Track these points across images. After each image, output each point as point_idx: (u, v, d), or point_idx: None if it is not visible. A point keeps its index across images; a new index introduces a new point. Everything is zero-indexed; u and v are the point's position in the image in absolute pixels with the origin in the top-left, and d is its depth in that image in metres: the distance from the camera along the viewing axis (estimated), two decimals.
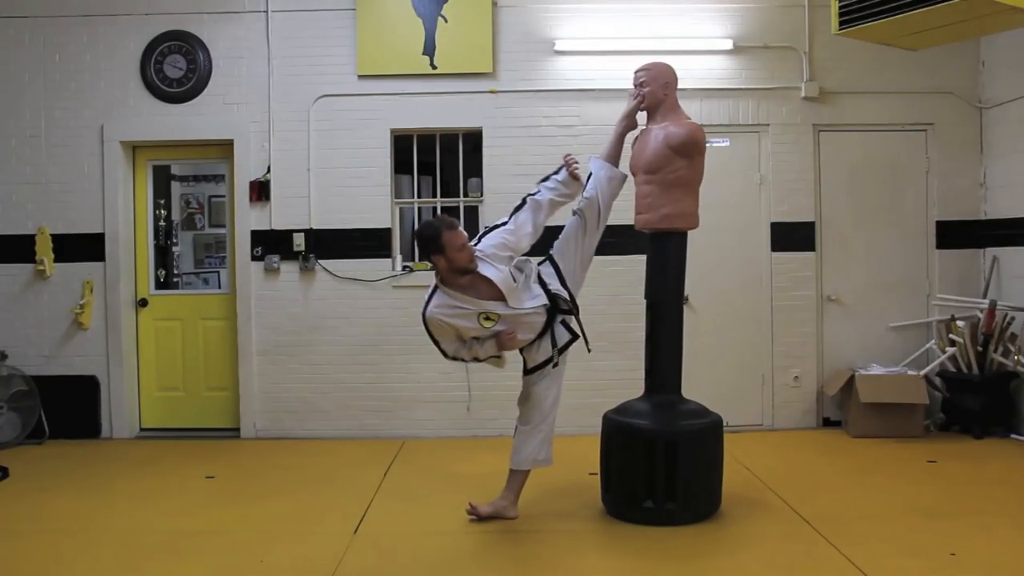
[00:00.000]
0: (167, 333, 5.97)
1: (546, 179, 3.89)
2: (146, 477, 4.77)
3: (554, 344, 3.82)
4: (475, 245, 3.70)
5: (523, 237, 3.77)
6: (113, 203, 5.77)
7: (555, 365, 3.84)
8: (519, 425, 3.92)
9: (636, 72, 4.00)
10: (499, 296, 3.63)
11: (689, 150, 3.80)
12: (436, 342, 3.75)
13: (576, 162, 3.85)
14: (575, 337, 3.88)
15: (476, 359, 3.82)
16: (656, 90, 3.92)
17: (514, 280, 3.69)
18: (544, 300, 3.75)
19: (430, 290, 3.70)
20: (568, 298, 3.85)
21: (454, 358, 3.83)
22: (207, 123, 5.78)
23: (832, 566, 3.27)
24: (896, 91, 5.79)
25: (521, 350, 3.86)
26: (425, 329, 3.71)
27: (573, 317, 3.89)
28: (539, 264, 3.90)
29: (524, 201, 3.85)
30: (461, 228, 3.62)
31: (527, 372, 3.89)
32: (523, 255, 3.84)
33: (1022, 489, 4.28)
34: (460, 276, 3.62)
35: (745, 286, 5.80)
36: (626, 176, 4.06)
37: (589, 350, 3.93)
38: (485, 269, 3.62)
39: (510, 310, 3.66)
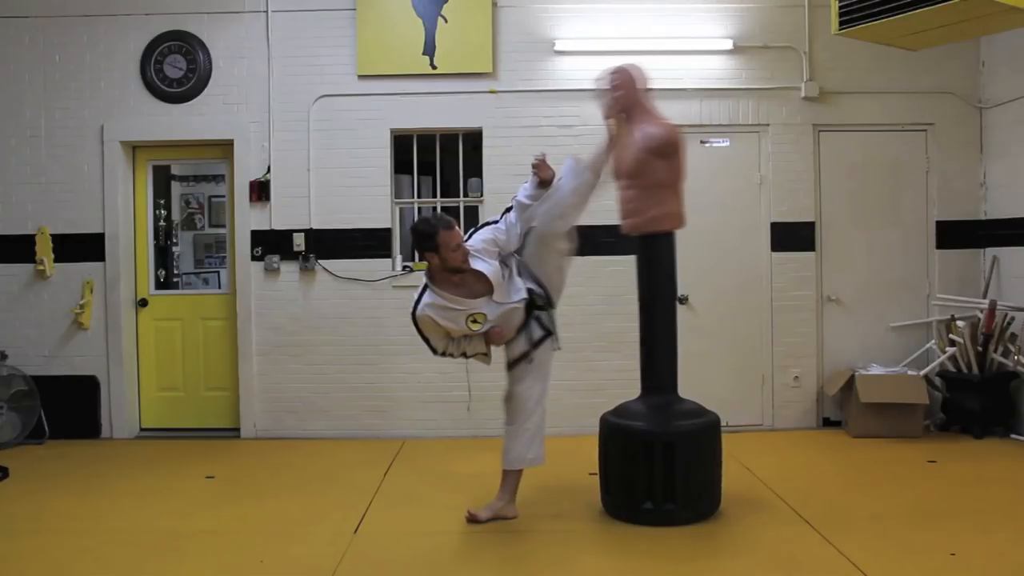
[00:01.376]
0: (167, 333, 5.97)
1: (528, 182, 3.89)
2: (146, 477, 4.77)
3: (529, 340, 3.83)
4: (466, 241, 3.73)
5: (513, 237, 3.80)
6: (113, 203, 5.77)
7: (530, 361, 3.84)
8: (505, 424, 3.93)
9: (605, 76, 3.96)
10: (488, 291, 3.66)
11: (667, 151, 3.79)
12: (425, 339, 3.77)
13: (542, 158, 3.77)
14: (548, 333, 3.88)
15: (464, 355, 3.86)
16: (628, 94, 3.89)
17: (503, 277, 3.73)
18: (524, 294, 3.77)
19: (420, 288, 3.72)
20: (543, 294, 3.84)
21: (443, 354, 3.85)
22: (207, 123, 5.78)
23: (832, 566, 3.27)
24: (896, 91, 5.79)
25: (505, 344, 3.89)
26: (415, 326, 3.73)
27: (546, 313, 3.88)
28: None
29: (511, 206, 3.87)
30: (457, 228, 3.64)
31: (509, 367, 3.91)
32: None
33: (1022, 489, 4.29)
34: (451, 274, 3.64)
35: (745, 286, 5.80)
36: (595, 179, 3.90)
37: (558, 347, 3.94)
38: (476, 263, 3.66)
39: (497, 306, 3.69)
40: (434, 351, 3.83)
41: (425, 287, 3.70)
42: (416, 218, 6.08)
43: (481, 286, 3.67)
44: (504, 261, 3.79)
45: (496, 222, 3.84)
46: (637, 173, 3.84)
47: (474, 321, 3.68)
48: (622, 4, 5.75)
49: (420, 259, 3.86)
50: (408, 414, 5.74)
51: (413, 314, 3.69)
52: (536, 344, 3.85)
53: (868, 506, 4.01)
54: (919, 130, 5.85)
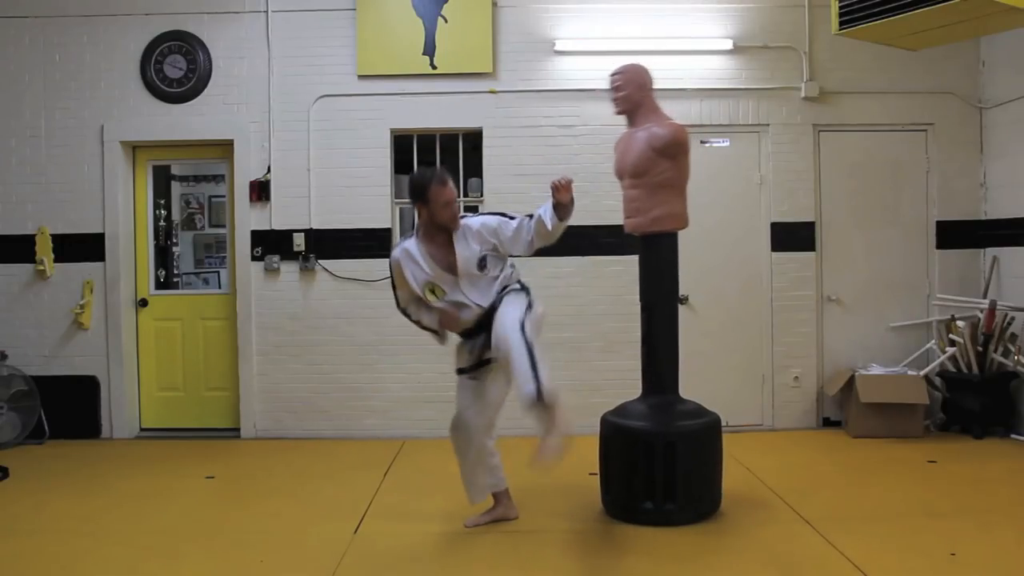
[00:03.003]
0: (167, 333, 5.97)
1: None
2: (146, 477, 4.77)
3: (476, 355, 3.64)
4: (470, 218, 3.64)
5: (521, 242, 3.59)
6: (113, 203, 5.77)
7: (471, 378, 3.67)
8: (456, 455, 3.77)
9: (611, 76, 3.96)
10: (455, 271, 3.56)
11: (673, 151, 3.79)
12: (394, 287, 3.70)
13: (567, 181, 3.47)
14: (488, 361, 3.62)
15: (420, 324, 3.72)
16: (632, 93, 3.89)
17: (480, 268, 3.56)
18: (486, 304, 3.56)
19: (409, 233, 3.69)
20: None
21: (403, 311, 3.72)
22: (207, 123, 5.78)
23: (832, 566, 3.27)
24: (896, 91, 5.79)
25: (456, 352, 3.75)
26: (389, 270, 3.69)
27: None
28: (517, 286, 3.65)
29: (533, 215, 3.64)
30: (451, 185, 3.55)
31: (457, 372, 3.76)
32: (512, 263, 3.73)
33: (1022, 489, 4.29)
34: (437, 232, 3.57)
35: (745, 286, 5.80)
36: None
37: (474, 379, 3.68)
38: (458, 240, 3.56)
39: (457, 292, 3.57)
40: (397, 303, 3.72)
41: (411, 234, 3.65)
42: (416, 219, 6.03)
43: (453, 263, 3.55)
44: (502, 266, 3.64)
45: (512, 217, 3.64)
46: (642, 172, 3.83)
47: (431, 291, 3.59)
48: (622, 4, 5.75)
49: (413, 208, 3.77)
50: (408, 414, 5.74)
51: (392, 254, 3.66)
52: (482, 363, 3.65)
53: (868, 506, 4.01)
54: (919, 130, 5.85)
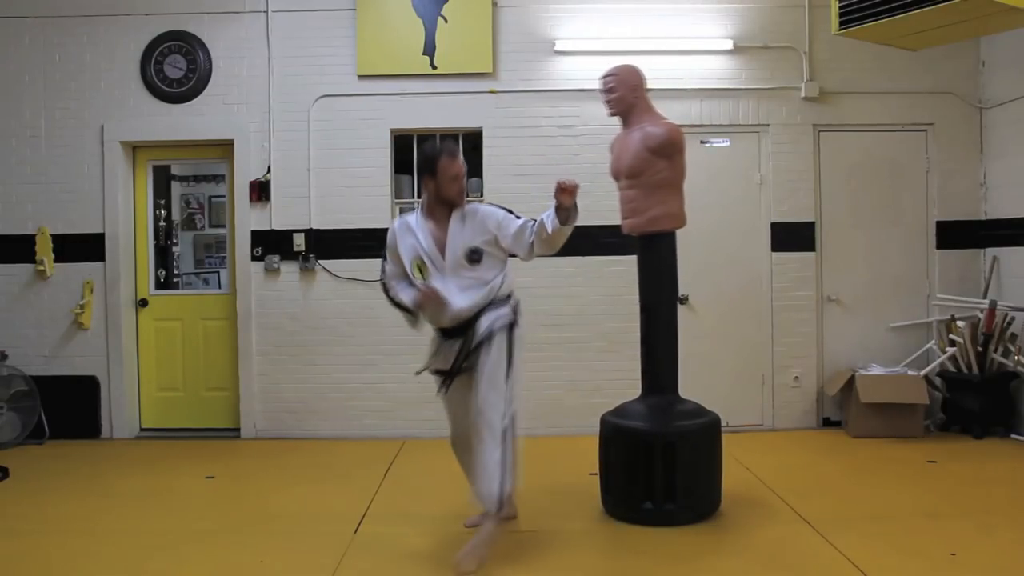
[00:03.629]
0: (167, 333, 5.97)
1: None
2: (146, 477, 4.77)
3: (452, 360, 3.52)
4: (477, 203, 3.59)
5: (524, 243, 3.47)
6: (113, 203, 5.77)
7: (445, 386, 3.60)
8: (463, 467, 3.73)
9: (602, 78, 3.95)
10: (442, 253, 3.46)
11: (668, 151, 3.79)
12: (384, 259, 3.62)
13: (573, 185, 3.30)
14: (463, 369, 3.51)
15: (396, 300, 3.57)
16: (625, 95, 3.88)
17: (472, 261, 3.43)
18: (464, 303, 3.42)
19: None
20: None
21: (384, 285, 3.60)
22: (207, 123, 5.78)
23: (832, 566, 3.27)
24: (896, 91, 5.79)
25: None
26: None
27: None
28: (506, 315, 3.49)
29: (537, 219, 3.53)
30: (461, 159, 3.48)
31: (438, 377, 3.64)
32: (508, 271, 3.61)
33: (1022, 489, 4.29)
34: (439, 208, 3.49)
35: (745, 286, 5.80)
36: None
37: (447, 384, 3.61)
38: (456, 220, 3.46)
39: (438, 279, 3.44)
40: (382, 276, 3.61)
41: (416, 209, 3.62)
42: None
43: (445, 242, 3.47)
44: (497, 264, 3.51)
45: (518, 217, 3.50)
46: (638, 172, 3.84)
47: (419, 268, 3.49)
48: (622, 4, 5.75)
49: (419, 183, 3.66)
50: (408, 414, 5.73)
51: (392, 223, 3.63)
52: (456, 371, 3.51)
53: (868, 506, 4.02)
54: (919, 130, 5.85)
